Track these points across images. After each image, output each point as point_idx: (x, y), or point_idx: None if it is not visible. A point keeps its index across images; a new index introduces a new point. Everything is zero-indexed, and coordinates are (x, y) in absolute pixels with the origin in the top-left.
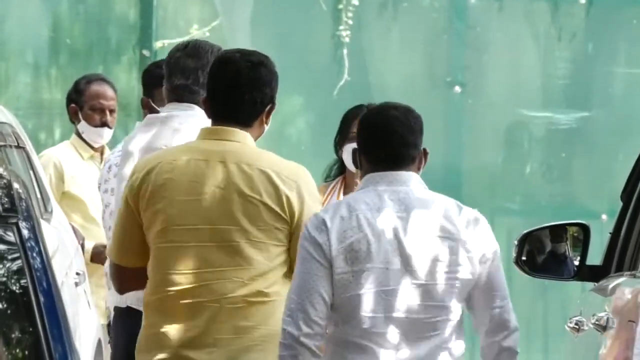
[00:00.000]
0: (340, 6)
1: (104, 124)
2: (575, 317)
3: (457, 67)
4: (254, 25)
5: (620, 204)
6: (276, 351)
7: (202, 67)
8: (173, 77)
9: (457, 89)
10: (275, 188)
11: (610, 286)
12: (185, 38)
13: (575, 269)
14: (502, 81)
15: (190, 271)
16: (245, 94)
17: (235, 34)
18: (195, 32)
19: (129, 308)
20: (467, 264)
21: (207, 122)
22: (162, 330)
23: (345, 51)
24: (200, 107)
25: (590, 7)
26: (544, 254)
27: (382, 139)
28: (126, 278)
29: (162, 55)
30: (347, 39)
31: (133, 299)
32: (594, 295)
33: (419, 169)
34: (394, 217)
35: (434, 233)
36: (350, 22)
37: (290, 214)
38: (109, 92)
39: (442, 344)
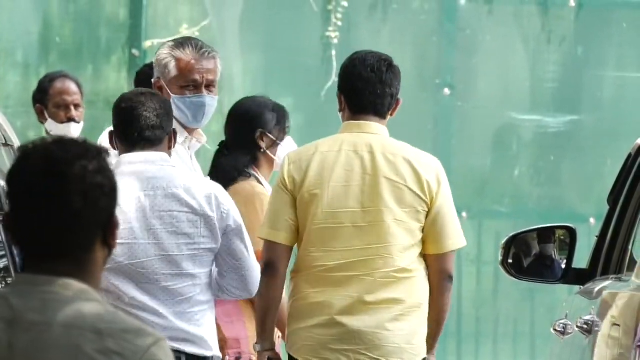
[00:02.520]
0: (330, 7)
1: (70, 119)
2: (561, 320)
3: (446, 69)
4: (243, 25)
5: (608, 207)
6: (420, 321)
7: None
8: None
9: (447, 91)
10: (417, 174)
11: (596, 289)
12: (175, 37)
13: (562, 272)
14: (492, 84)
15: (347, 248)
16: (385, 88)
17: (224, 34)
18: (185, 32)
19: None
20: (209, 235)
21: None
22: (317, 300)
23: (334, 52)
24: None
25: (580, 10)
26: (530, 256)
27: (130, 123)
28: (278, 254)
29: (152, 55)
30: (336, 40)
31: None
32: (580, 298)
33: (169, 147)
34: (142, 195)
35: (177, 208)
36: (340, 23)
37: (430, 197)
38: (72, 87)
39: (191, 307)
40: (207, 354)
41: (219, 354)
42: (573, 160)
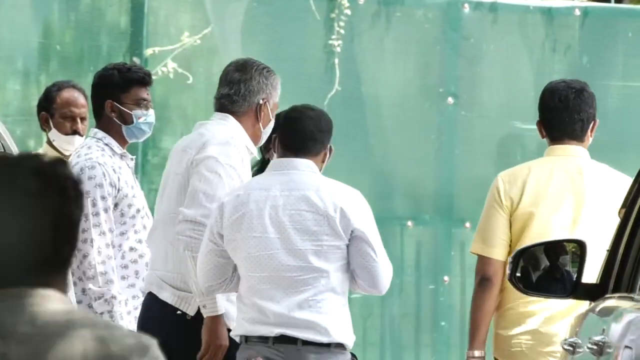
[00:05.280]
0: (333, 15)
1: (75, 132)
2: (570, 338)
3: (450, 78)
4: (245, 34)
5: (617, 220)
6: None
7: (245, 80)
8: (220, 87)
9: (450, 100)
10: (619, 192)
11: (608, 308)
12: (176, 46)
13: (571, 287)
14: (496, 93)
15: None
16: (574, 115)
17: (226, 42)
18: (187, 40)
19: (150, 293)
20: (332, 234)
21: (234, 131)
22: (525, 310)
23: (336, 61)
24: (239, 116)
25: (585, 19)
26: (539, 270)
27: (295, 131)
28: (493, 269)
29: (153, 63)
30: (338, 49)
31: (153, 285)
32: (591, 316)
33: (323, 161)
34: (278, 195)
35: (305, 208)
36: (343, 31)
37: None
38: (80, 99)
39: (314, 296)
40: (324, 339)
41: (345, 342)
42: None
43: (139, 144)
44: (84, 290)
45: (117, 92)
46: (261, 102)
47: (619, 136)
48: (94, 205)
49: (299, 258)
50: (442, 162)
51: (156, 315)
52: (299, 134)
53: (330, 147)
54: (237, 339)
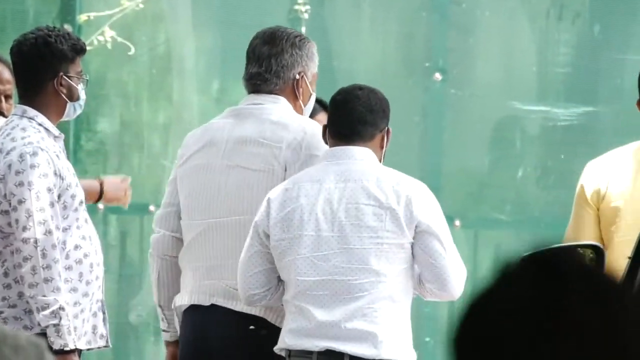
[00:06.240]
0: None
1: None
2: None
3: (438, 50)
4: None
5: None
6: None
7: (276, 54)
8: (249, 65)
9: (438, 76)
10: None
11: None
12: (115, 11)
13: None
14: (492, 68)
15: None
16: None
17: (174, 7)
18: (127, 4)
19: (193, 306)
20: (394, 230)
21: (291, 110)
22: None
23: (303, 29)
24: (279, 94)
25: None
26: None
27: (342, 116)
28: None
29: (87, 31)
30: (306, 15)
31: (216, 297)
32: None
33: (381, 147)
34: (332, 187)
35: (364, 201)
36: None
37: None
38: (5, 74)
39: (371, 303)
40: (374, 354)
41: (398, 358)
42: (587, 159)
43: (69, 127)
44: (20, 295)
45: (67, 63)
46: (297, 76)
47: (635, 118)
48: (37, 199)
49: (355, 259)
50: (427, 149)
51: (224, 330)
52: (346, 118)
53: (388, 129)
54: (283, 354)
